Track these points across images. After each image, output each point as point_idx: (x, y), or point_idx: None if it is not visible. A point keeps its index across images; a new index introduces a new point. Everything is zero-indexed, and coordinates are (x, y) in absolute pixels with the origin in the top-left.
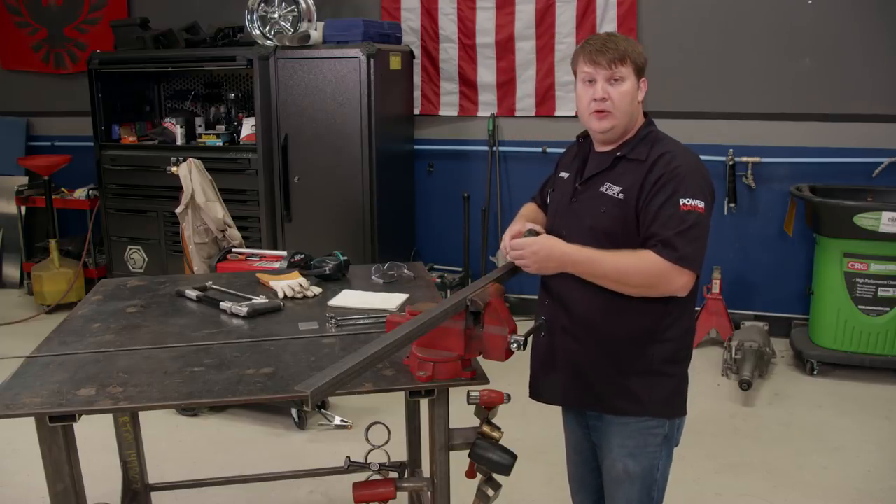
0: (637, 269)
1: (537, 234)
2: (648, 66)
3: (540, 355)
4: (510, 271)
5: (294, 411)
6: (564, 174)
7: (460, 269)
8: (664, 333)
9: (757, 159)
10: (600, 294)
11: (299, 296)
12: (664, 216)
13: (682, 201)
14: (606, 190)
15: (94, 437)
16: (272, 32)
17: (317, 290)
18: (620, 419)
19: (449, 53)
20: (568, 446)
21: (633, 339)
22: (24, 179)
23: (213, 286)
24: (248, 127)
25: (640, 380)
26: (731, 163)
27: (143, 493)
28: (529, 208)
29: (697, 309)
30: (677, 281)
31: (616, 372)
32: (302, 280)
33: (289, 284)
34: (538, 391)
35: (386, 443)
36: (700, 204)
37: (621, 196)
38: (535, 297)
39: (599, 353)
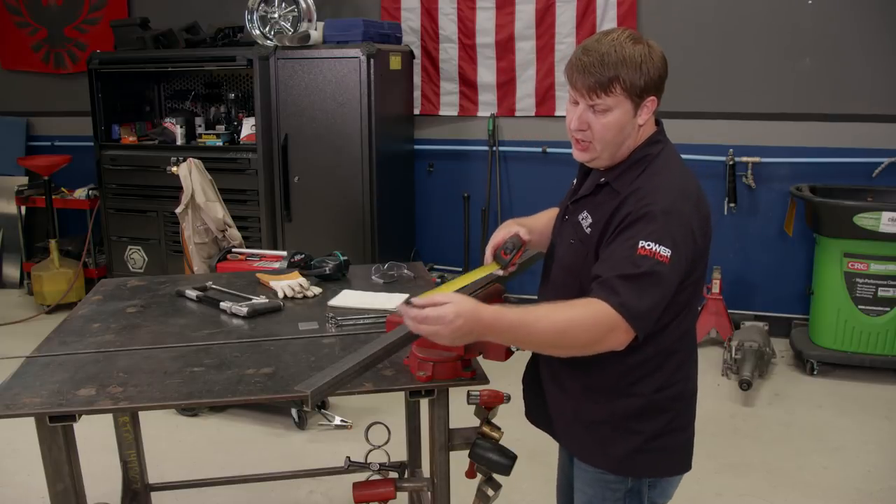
0: (582, 325)
1: (519, 246)
2: None
3: (530, 374)
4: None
5: (294, 411)
6: (574, 180)
7: (460, 269)
8: (632, 388)
9: (757, 159)
10: None
11: (299, 296)
12: (615, 257)
13: (640, 244)
14: (582, 220)
15: (94, 437)
16: (272, 32)
17: (317, 290)
18: (581, 464)
19: (449, 53)
20: (558, 464)
21: (591, 390)
22: (24, 179)
23: (213, 286)
24: (248, 127)
25: (599, 432)
26: (731, 163)
27: (143, 493)
28: (549, 213)
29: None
30: (618, 336)
31: (581, 415)
32: (302, 280)
33: (289, 284)
34: (529, 411)
35: (386, 443)
36: (664, 252)
37: (589, 231)
38: (536, 297)
39: (573, 390)
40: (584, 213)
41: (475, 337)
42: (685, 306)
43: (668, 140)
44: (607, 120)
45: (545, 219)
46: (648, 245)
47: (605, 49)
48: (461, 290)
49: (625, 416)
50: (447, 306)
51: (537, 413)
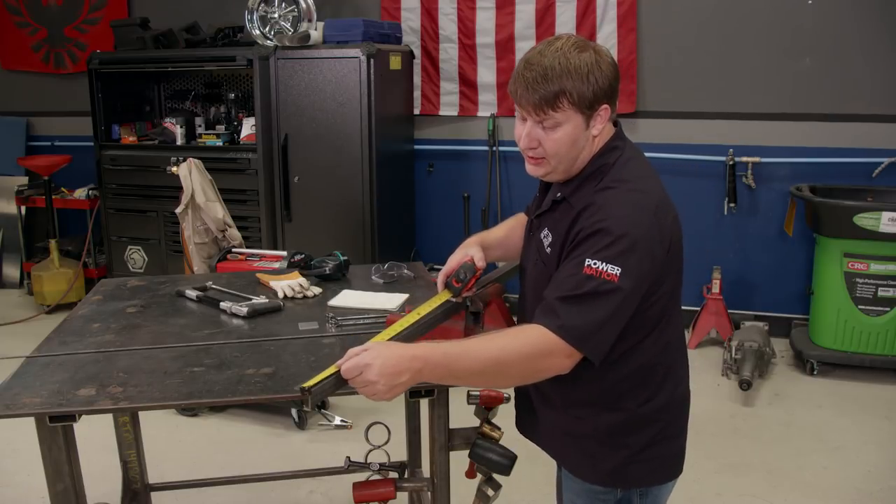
0: (520, 353)
1: (473, 272)
2: (649, 65)
3: (518, 391)
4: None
5: (294, 411)
6: (537, 195)
7: None
8: (615, 403)
9: (757, 159)
10: None
11: (299, 296)
12: (560, 278)
13: (587, 262)
14: (544, 237)
15: (94, 437)
16: (272, 32)
17: (317, 290)
18: (570, 475)
19: (449, 53)
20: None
21: (575, 406)
22: (24, 179)
23: (213, 286)
24: (248, 127)
25: (584, 446)
26: (731, 163)
27: (143, 493)
28: (515, 221)
29: (697, 309)
30: (553, 359)
31: (565, 429)
32: (302, 280)
33: (289, 284)
34: (520, 422)
35: (386, 443)
36: (613, 271)
37: (549, 250)
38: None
39: (548, 409)
40: (546, 231)
41: (410, 379)
42: (660, 319)
43: (628, 142)
44: (557, 136)
45: (505, 229)
46: (595, 264)
47: (548, 62)
48: (417, 322)
49: (610, 430)
50: (363, 355)
51: (527, 424)
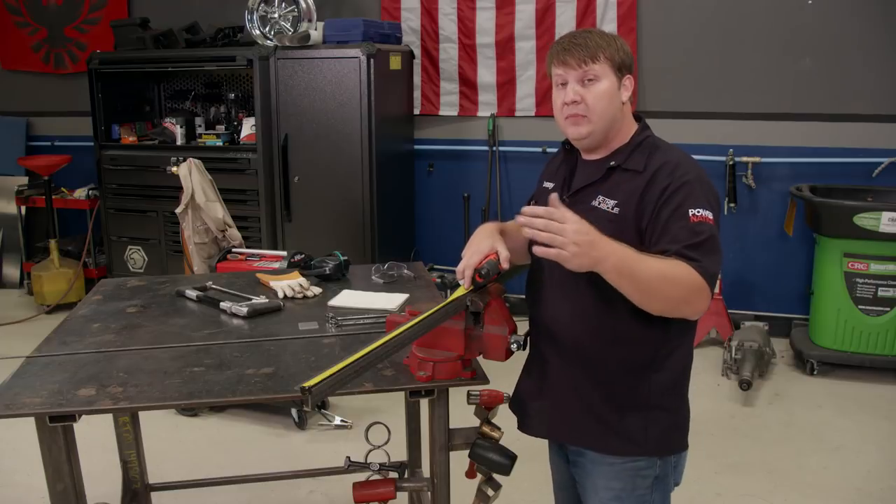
0: (680, 279)
1: (496, 272)
2: (649, 65)
3: (527, 385)
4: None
5: (294, 411)
6: (549, 184)
7: None
8: (663, 362)
9: (757, 159)
10: (591, 320)
11: (299, 296)
12: (673, 231)
13: (691, 212)
14: (599, 204)
15: (94, 437)
16: (272, 32)
17: (317, 290)
18: (607, 458)
19: (449, 53)
20: (554, 484)
21: (627, 370)
22: (24, 179)
23: (213, 286)
24: (248, 127)
25: (635, 416)
26: (731, 163)
27: (143, 493)
28: (512, 225)
29: None
30: (705, 300)
31: (609, 408)
32: (302, 280)
33: (289, 284)
34: (525, 422)
35: (386, 443)
36: (710, 215)
37: (616, 210)
38: (526, 301)
39: (590, 387)
40: (600, 198)
41: (596, 257)
42: None
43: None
44: (598, 89)
45: (513, 233)
46: (698, 212)
47: (582, 32)
48: (419, 322)
49: (661, 392)
50: (578, 218)
51: (538, 421)
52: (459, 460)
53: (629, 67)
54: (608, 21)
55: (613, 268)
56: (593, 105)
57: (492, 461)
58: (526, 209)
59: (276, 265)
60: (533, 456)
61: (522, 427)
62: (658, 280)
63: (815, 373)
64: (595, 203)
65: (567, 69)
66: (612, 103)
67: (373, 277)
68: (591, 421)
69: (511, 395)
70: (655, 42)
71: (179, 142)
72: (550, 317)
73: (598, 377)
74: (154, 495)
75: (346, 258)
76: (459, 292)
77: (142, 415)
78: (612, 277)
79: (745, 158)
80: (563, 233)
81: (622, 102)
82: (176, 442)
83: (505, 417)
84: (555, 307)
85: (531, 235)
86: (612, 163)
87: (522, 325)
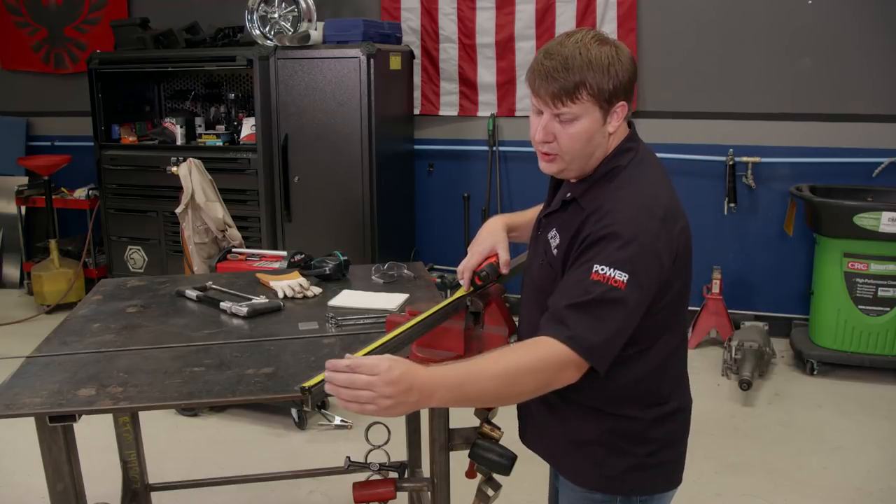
0: (533, 367)
1: (498, 275)
2: (649, 65)
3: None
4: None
5: (294, 411)
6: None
7: None
8: (622, 409)
9: (757, 159)
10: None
11: (299, 296)
12: (568, 284)
13: (595, 268)
14: (551, 238)
15: (94, 437)
16: (272, 32)
17: (317, 290)
18: (568, 483)
19: (449, 53)
20: (549, 486)
21: (583, 411)
22: (24, 179)
23: (213, 286)
24: (248, 127)
25: (586, 452)
26: (731, 163)
27: (143, 493)
28: (521, 219)
29: (697, 309)
30: (574, 372)
31: (564, 439)
32: (302, 280)
33: (289, 284)
34: (520, 431)
35: (386, 443)
36: (619, 277)
37: (556, 252)
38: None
39: (551, 415)
40: (553, 231)
41: (414, 402)
42: (665, 327)
43: (642, 143)
44: (574, 130)
45: (531, 213)
46: (602, 270)
47: (568, 52)
48: (420, 322)
49: (614, 437)
50: (382, 361)
51: (528, 433)
52: (459, 460)
53: (626, 91)
54: (608, 21)
55: (444, 401)
56: (567, 147)
57: (492, 461)
58: (329, 363)
59: (276, 265)
60: (533, 456)
61: (521, 437)
62: (504, 385)
63: (815, 373)
64: (549, 236)
65: (540, 102)
66: (591, 142)
67: (373, 277)
68: (560, 443)
69: None
70: (655, 42)
71: (179, 142)
72: (526, 322)
73: (555, 408)
74: (154, 495)
75: (346, 258)
76: (460, 293)
77: (142, 415)
78: (451, 405)
79: (745, 158)
80: (373, 387)
81: (608, 133)
82: (176, 442)
83: (505, 417)
84: (529, 314)
85: (331, 393)
86: (569, 195)
87: None
